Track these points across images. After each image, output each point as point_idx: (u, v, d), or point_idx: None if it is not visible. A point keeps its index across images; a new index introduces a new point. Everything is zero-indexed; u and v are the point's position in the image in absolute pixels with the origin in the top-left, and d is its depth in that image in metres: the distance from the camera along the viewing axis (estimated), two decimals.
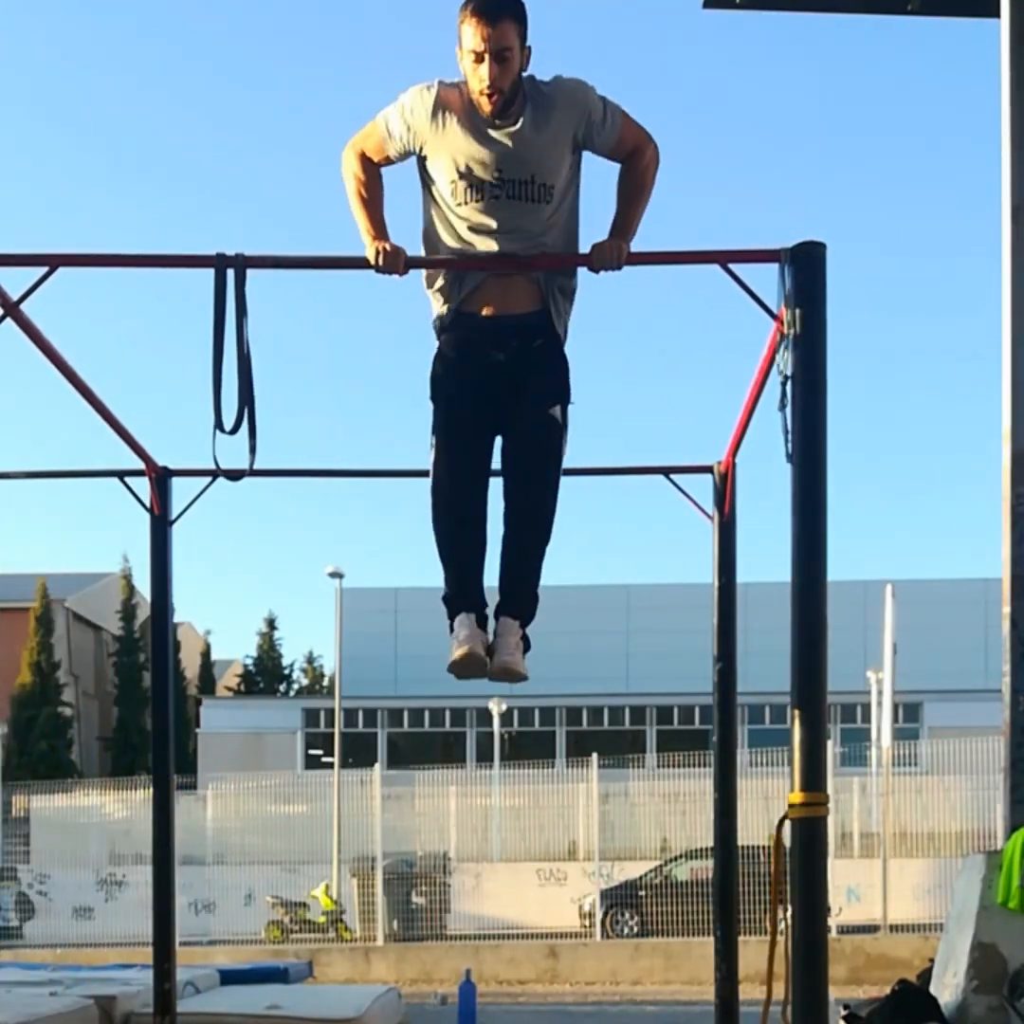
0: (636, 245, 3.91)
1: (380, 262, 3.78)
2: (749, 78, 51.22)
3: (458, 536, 4.06)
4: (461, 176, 3.88)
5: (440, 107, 3.85)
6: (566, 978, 17.06)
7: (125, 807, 22.50)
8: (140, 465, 5.24)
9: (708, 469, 5.29)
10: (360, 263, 3.82)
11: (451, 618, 4.09)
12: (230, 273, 3.62)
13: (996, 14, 6.32)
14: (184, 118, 53.62)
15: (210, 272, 3.63)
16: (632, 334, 50.41)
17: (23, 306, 3.73)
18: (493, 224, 3.90)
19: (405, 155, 3.94)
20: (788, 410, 3.55)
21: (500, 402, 4.04)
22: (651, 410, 50.62)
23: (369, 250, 3.82)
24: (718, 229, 46.96)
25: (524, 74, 3.85)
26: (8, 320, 3.75)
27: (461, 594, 4.09)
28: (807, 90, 51.38)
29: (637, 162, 3.98)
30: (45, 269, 3.62)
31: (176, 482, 5.37)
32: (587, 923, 18.99)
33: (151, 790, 5.70)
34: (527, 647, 4.13)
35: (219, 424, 3.68)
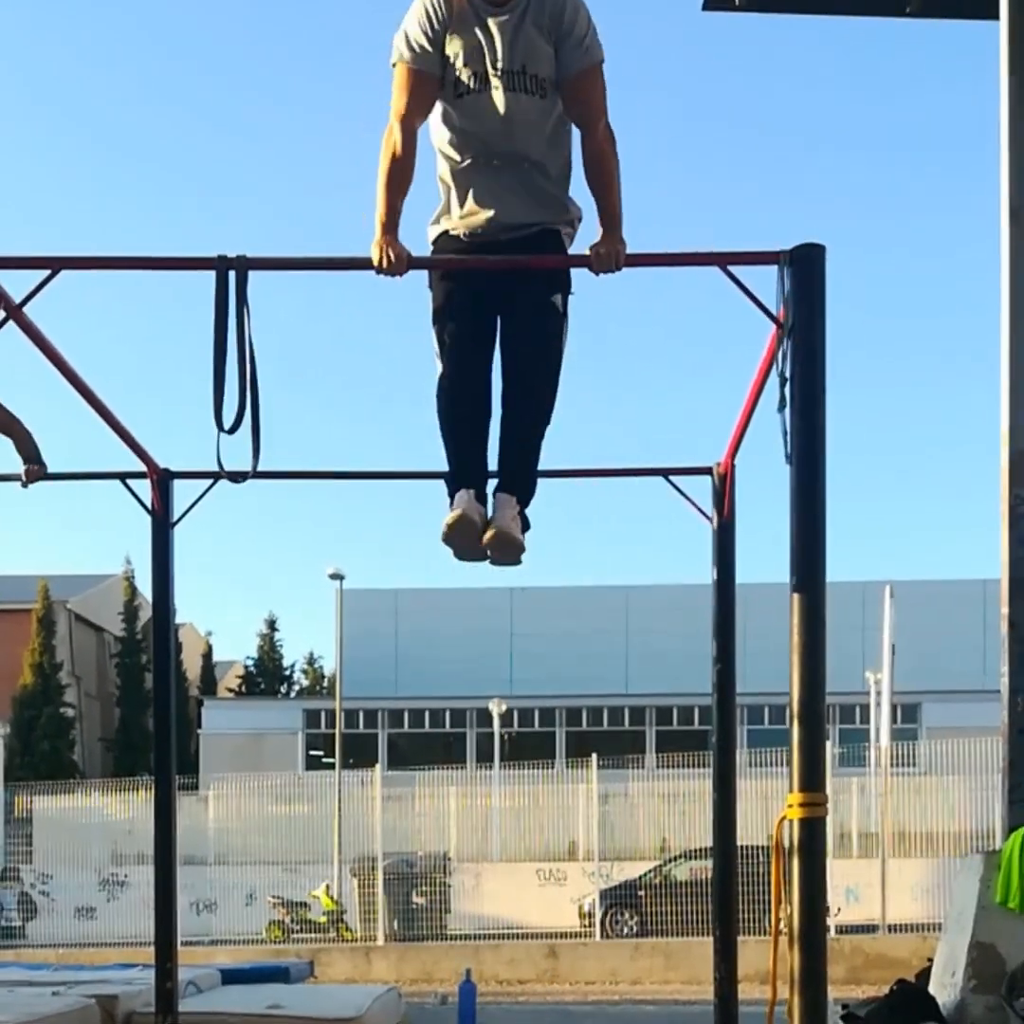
0: (634, 247, 3.89)
1: (383, 265, 3.75)
2: (748, 80, 51.23)
3: (459, 415, 4.09)
4: (462, 66, 3.93)
5: (448, 2, 3.92)
6: (566, 978, 17.07)
7: (127, 807, 22.52)
8: (142, 467, 5.25)
9: (707, 471, 5.30)
10: (362, 264, 3.79)
11: (450, 497, 4.08)
12: (232, 275, 3.62)
13: (995, 16, 6.34)
14: (185, 119, 53.67)
15: (212, 273, 3.64)
16: (632, 335, 50.40)
17: (26, 308, 3.74)
18: (494, 117, 3.95)
19: (439, 62, 3.94)
20: (787, 411, 3.56)
21: (498, 289, 4.05)
22: (651, 411, 50.66)
23: (374, 249, 3.78)
24: (718, 231, 47.01)
25: None
26: (10, 323, 3.75)
27: (461, 468, 4.09)
28: (806, 91, 51.40)
29: (592, 137, 4.01)
30: (48, 272, 3.63)
31: (177, 484, 5.39)
32: (587, 923, 19.01)
33: (153, 790, 5.71)
34: (526, 526, 4.12)
35: (220, 425, 3.68)
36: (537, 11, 3.91)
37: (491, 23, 3.91)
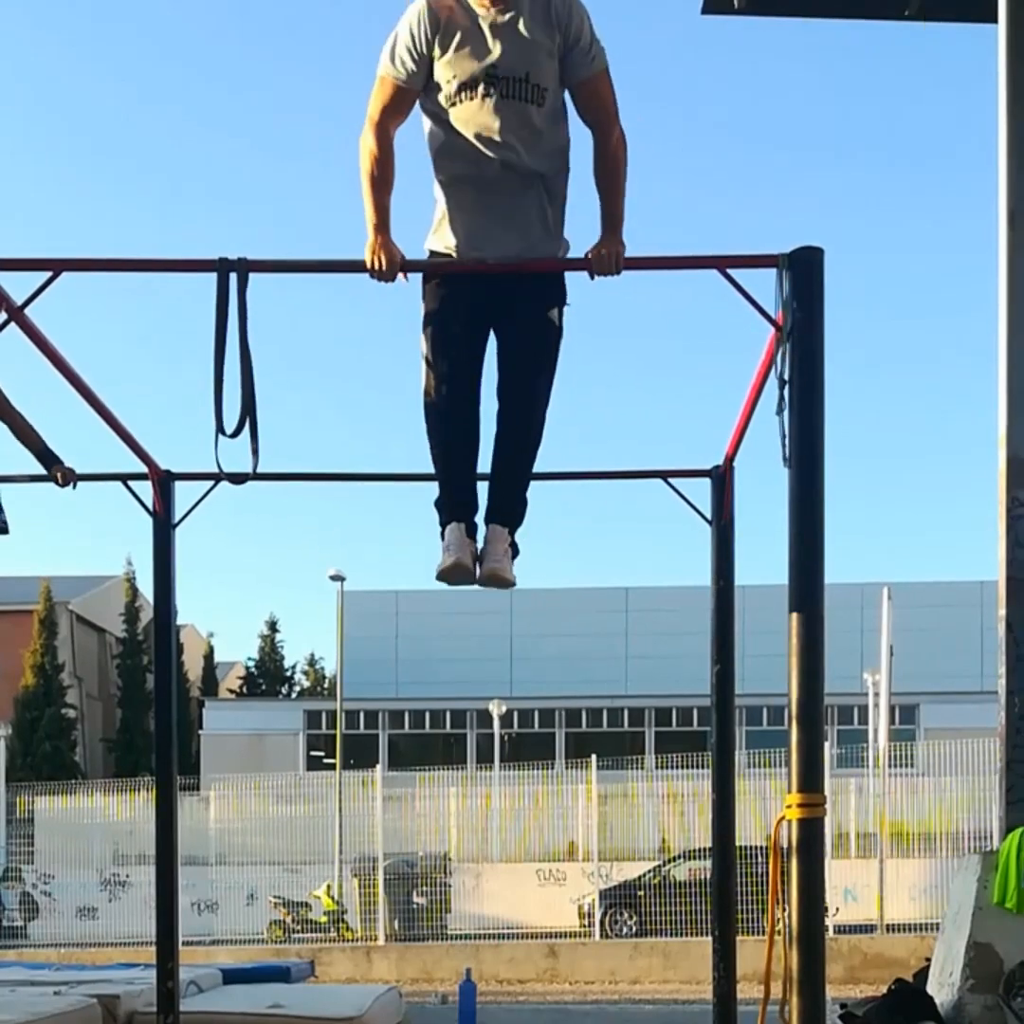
0: (634, 250, 3.90)
1: (376, 266, 3.78)
2: (747, 83, 51.27)
3: (450, 441, 4.05)
4: (456, 74, 3.80)
5: (436, 12, 3.79)
6: (565, 977, 17.09)
7: (128, 808, 22.51)
8: (143, 469, 5.26)
9: (706, 473, 5.31)
10: (358, 267, 3.82)
11: (442, 526, 4.09)
12: (232, 277, 3.64)
13: (994, 19, 6.36)
14: (186, 122, 53.71)
15: (213, 275, 3.65)
16: (631, 338, 50.46)
17: (27, 310, 3.75)
18: (488, 125, 3.84)
19: (421, 77, 3.84)
20: (786, 414, 3.57)
21: (494, 301, 3.99)
22: (650, 413, 50.73)
23: (367, 250, 3.81)
24: (717, 234, 47.03)
25: None
26: (12, 324, 3.76)
27: (452, 500, 4.08)
28: (805, 95, 51.47)
29: (605, 141, 3.93)
30: (49, 274, 3.64)
31: (179, 485, 5.39)
32: (586, 923, 19.01)
33: (154, 791, 5.71)
34: (515, 553, 4.13)
35: (220, 427, 3.69)
36: (539, 13, 3.78)
37: (485, 25, 3.78)
